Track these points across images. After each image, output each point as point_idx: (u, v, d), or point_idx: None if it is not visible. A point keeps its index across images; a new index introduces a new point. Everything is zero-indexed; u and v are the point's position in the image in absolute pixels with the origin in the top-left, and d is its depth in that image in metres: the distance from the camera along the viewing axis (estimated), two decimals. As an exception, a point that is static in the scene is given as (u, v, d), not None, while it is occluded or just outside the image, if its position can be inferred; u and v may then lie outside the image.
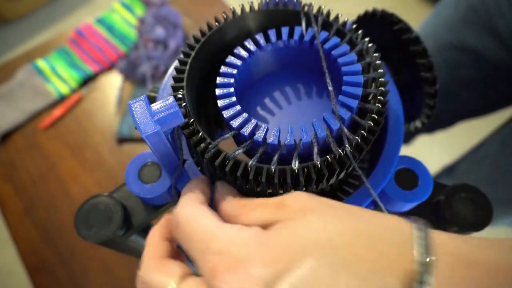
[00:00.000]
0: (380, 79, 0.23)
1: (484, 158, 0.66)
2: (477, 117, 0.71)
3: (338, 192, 0.28)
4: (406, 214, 0.29)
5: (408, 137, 0.81)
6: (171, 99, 0.22)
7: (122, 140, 0.76)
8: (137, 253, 0.37)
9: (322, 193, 0.27)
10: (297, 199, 0.20)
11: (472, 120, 0.73)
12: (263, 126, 0.23)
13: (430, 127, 0.76)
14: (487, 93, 0.63)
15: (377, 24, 0.31)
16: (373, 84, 0.24)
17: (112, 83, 0.84)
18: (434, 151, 1.41)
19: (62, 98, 0.82)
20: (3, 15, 1.76)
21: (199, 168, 0.28)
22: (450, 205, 0.28)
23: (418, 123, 0.33)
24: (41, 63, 0.85)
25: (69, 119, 0.80)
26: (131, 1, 0.93)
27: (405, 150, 0.27)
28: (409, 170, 0.27)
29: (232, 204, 0.22)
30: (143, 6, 0.92)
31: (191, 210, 0.22)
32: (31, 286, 0.64)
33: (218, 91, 0.24)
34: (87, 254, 0.65)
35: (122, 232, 0.29)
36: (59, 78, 0.83)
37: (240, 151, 0.22)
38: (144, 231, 0.33)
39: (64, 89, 0.82)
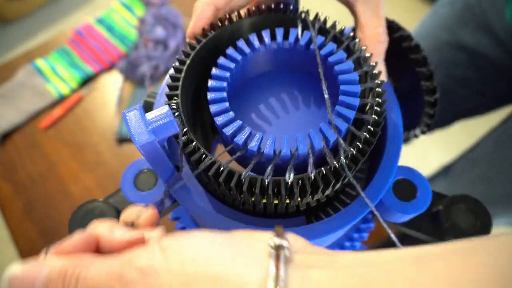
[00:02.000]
0: (378, 89, 0.23)
1: (479, 157, 0.66)
2: (475, 116, 0.70)
3: (335, 201, 0.28)
4: (404, 225, 0.28)
5: (407, 139, 0.80)
6: (166, 108, 0.21)
7: (122, 140, 0.76)
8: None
9: (318, 203, 0.27)
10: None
11: (470, 120, 0.73)
12: (258, 135, 0.22)
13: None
14: (484, 91, 0.62)
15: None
16: (370, 93, 0.24)
17: (112, 83, 0.84)
18: (432, 151, 1.40)
19: (62, 98, 0.81)
20: (4, 15, 1.76)
21: (194, 175, 0.27)
22: (449, 216, 0.27)
23: (417, 132, 0.32)
24: (41, 63, 0.84)
25: (69, 119, 0.80)
26: (131, 1, 0.93)
27: (404, 149, 0.27)
28: (408, 181, 0.26)
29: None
30: (143, 6, 0.91)
31: None
32: (30, 286, 0.64)
33: (210, 95, 0.24)
34: (86, 255, 0.65)
35: (118, 239, 0.29)
36: (59, 78, 0.83)
37: (232, 160, 0.22)
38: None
39: (64, 89, 0.82)
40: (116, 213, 0.28)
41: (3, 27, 1.79)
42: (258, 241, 0.17)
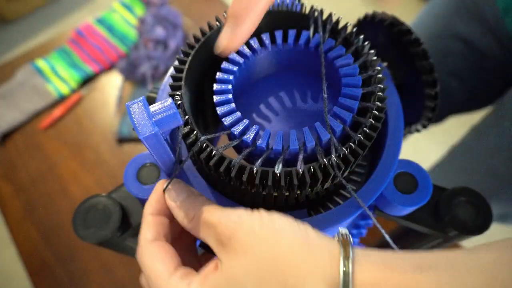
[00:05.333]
0: (379, 93, 0.23)
1: (459, 149, 0.66)
2: (468, 111, 0.70)
3: (335, 196, 0.28)
4: (404, 218, 0.29)
5: (409, 133, 0.80)
6: (169, 100, 0.22)
7: (122, 140, 0.76)
8: (135, 253, 0.37)
9: (318, 197, 0.27)
10: (242, 239, 0.20)
11: (466, 115, 0.73)
12: (254, 127, 0.23)
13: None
14: (475, 84, 0.62)
15: (377, 26, 0.30)
16: (372, 97, 0.24)
17: (112, 83, 0.84)
18: (433, 149, 1.40)
19: (62, 98, 0.82)
20: (3, 15, 1.76)
21: (195, 166, 0.28)
22: (449, 209, 0.27)
23: (419, 126, 0.32)
24: (41, 63, 0.85)
25: (69, 119, 0.80)
26: (131, 1, 0.93)
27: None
28: (408, 174, 0.27)
29: (180, 214, 0.23)
30: (143, 6, 0.92)
31: (142, 253, 0.23)
32: (31, 286, 0.64)
33: (216, 86, 0.25)
34: (87, 254, 0.65)
35: (120, 233, 0.29)
36: (59, 78, 0.83)
37: (243, 156, 0.22)
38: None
39: (64, 89, 0.82)
40: (120, 208, 0.29)
41: (3, 27, 1.79)
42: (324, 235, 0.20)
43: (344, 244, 0.18)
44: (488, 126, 0.61)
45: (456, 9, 0.58)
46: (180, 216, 0.23)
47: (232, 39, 0.20)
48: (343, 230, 0.20)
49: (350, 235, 0.20)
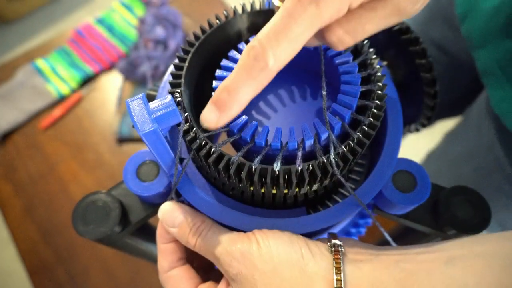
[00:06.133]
0: (378, 92, 0.23)
1: (432, 153, 0.67)
2: (455, 116, 0.71)
3: (334, 195, 0.28)
4: (403, 217, 0.29)
5: (408, 132, 0.80)
6: (169, 97, 0.22)
7: (122, 140, 0.77)
8: (134, 251, 0.37)
9: (317, 195, 0.27)
10: (247, 277, 0.22)
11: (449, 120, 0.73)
12: (252, 123, 0.23)
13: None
14: (452, 89, 0.63)
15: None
16: (371, 95, 0.24)
17: (112, 83, 0.84)
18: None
19: (62, 98, 0.82)
20: (3, 15, 1.77)
21: (195, 164, 0.28)
22: (448, 208, 0.27)
23: (418, 125, 0.32)
24: (41, 63, 0.85)
25: (69, 119, 0.80)
26: (131, 1, 0.93)
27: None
28: (407, 173, 0.27)
29: (183, 240, 0.25)
30: (143, 6, 0.92)
31: (162, 282, 0.26)
32: (30, 286, 0.64)
33: (215, 83, 0.25)
34: (87, 254, 0.65)
35: (120, 229, 0.29)
36: (59, 78, 0.84)
37: (224, 143, 0.22)
38: (141, 229, 0.33)
39: (64, 89, 0.82)
40: (119, 205, 0.29)
41: (3, 27, 1.80)
42: (321, 242, 0.23)
43: (337, 267, 0.21)
44: (457, 134, 0.61)
45: (430, 13, 0.58)
46: (184, 242, 0.25)
47: (216, 124, 0.22)
48: (334, 240, 0.22)
49: (341, 245, 0.22)
